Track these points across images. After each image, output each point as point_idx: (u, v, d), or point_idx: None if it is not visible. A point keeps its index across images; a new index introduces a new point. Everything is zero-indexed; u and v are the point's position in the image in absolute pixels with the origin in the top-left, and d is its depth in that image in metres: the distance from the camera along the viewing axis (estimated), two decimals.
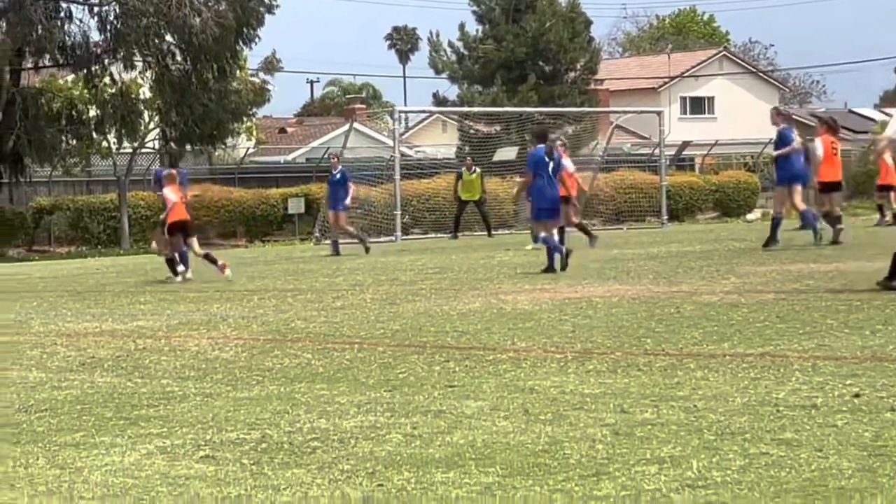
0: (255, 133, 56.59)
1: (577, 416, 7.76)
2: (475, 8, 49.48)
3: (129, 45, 40.81)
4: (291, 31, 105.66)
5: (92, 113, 42.88)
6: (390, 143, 48.20)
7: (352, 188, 29.22)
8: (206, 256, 21.78)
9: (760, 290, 14.93)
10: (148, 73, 42.98)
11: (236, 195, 46.29)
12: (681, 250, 23.02)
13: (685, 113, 76.44)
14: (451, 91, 52.23)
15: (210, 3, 40.37)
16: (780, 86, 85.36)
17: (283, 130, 71.45)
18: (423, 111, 63.06)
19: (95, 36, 41.97)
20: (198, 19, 39.37)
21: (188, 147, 43.60)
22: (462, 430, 7.49)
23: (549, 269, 18.92)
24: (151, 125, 45.25)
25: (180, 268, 21.72)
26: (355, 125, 48.38)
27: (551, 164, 19.24)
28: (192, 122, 41.86)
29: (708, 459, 6.46)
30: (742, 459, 6.44)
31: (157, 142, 45.42)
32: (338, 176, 29.05)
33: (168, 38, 41.32)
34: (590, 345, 10.91)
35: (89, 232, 44.40)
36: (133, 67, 42.44)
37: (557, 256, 19.01)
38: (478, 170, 37.44)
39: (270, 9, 42.11)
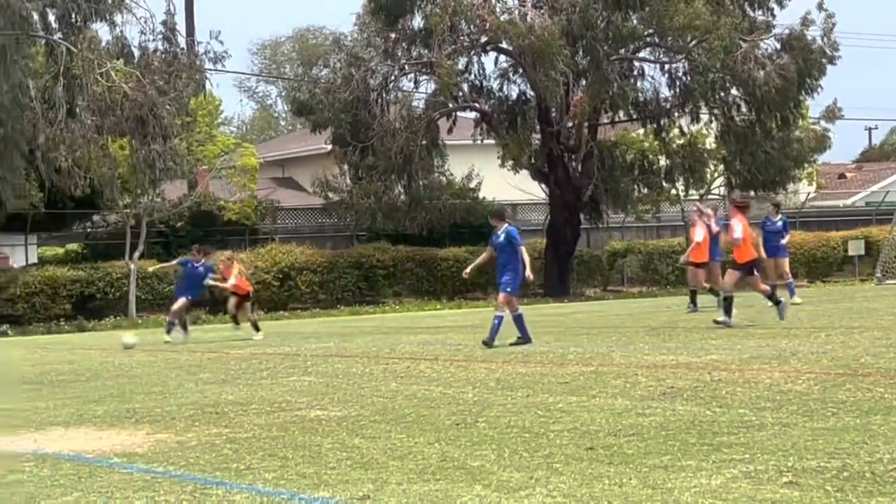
0: (815, 178, 55.55)
1: None
2: None
3: (696, 99, 41.18)
4: (853, 79, 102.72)
5: (662, 163, 43.51)
6: None
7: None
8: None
9: None
10: (713, 125, 43.19)
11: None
12: None
13: None
14: None
15: (773, 57, 40.02)
16: None
17: (842, 176, 69.75)
18: None
19: (665, 91, 42.62)
20: (761, 72, 39.13)
21: (752, 193, 43.35)
22: None
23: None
24: (716, 173, 45.35)
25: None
26: None
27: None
28: (754, 170, 41.70)
29: None
30: None
31: (721, 188, 45.45)
32: (779, 223, 28.35)
33: (733, 91, 41.32)
34: None
35: (659, 273, 45.03)
36: (699, 119, 42.77)
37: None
38: None
39: (832, 59, 41.22)
